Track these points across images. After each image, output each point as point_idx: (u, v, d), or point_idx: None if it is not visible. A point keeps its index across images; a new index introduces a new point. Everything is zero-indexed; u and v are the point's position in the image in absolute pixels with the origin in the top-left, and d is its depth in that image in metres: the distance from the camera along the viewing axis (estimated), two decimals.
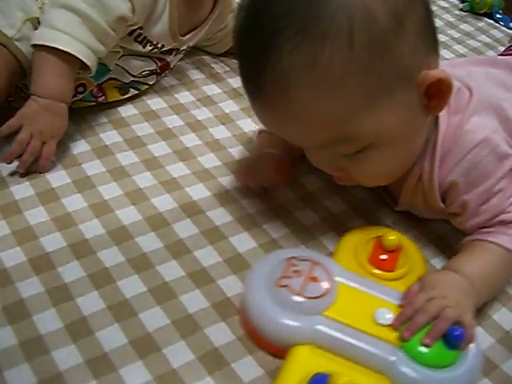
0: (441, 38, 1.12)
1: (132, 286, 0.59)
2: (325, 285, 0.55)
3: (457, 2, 1.27)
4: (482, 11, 1.22)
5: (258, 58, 0.53)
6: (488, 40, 1.14)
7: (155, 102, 0.84)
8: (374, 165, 0.58)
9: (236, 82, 0.89)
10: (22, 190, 0.68)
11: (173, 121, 0.81)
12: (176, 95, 0.86)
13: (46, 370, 0.52)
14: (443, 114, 0.61)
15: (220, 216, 0.68)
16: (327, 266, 0.57)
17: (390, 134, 0.56)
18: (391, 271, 0.59)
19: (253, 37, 0.53)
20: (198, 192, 0.71)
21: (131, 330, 0.55)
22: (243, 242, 0.65)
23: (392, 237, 0.60)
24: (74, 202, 0.67)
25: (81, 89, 0.76)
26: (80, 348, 0.53)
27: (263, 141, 0.72)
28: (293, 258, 0.57)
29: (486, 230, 0.62)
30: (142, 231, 0.65)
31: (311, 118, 0.54)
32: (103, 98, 0.80)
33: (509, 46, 0.94)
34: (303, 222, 0.69)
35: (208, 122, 0.82)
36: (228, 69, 0.94)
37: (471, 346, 0.54)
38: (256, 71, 0.54)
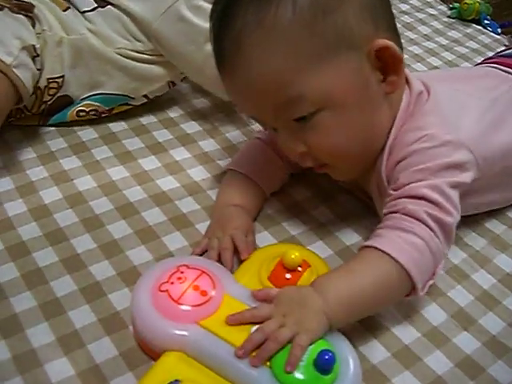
0: (429, 45, 1.15)
1: (123, 300, 0.61)
2: (205, 295, 0.55)
3: (445, 9, 1.29)
4: (470, 17, 1.24)
5: (221, 25, 0.60)
6: (476, 46, 1.16)
7: (145, 118, 0.86)
8: (330, 134, 0.61)
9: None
10: (16, 206, 0.70)
11: (162, 135, 0.83)
12: (166, 110, 0.88)
13: (38, 382, 0.53)
14: (400, 115, 0.64)
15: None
16: (217, 278, 0.57)
17: (339, 97, 0.59)
18: None
19: (217, 9, 0.61)
20: (188, 205, 0.73)
21: (124, 341, 0.57)
22: None
23: (293, 255, 0.59)
24: (65, 218, 0.69)
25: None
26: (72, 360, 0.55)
27: (225, 189, 0.73)
28: (184, 265, 0.58)
29: (388, 216, 0.61)
30: (132, 244, 0.67)
31: (262, 77, 0.58)
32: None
33: (497, 53, 0.96)
34: (291, 233, 0.71)
35: (197, 135, 0.84)
36: None
37: (350, 368, 0.53)
38: (219, 38, 0.61)
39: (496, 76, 0.79)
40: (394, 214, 0.60)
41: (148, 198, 0.73)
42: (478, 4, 1.23)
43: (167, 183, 0.75)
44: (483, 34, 1.21)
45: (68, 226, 0.68)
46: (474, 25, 1.24)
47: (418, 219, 0.58)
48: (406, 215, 0.59)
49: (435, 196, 0.60)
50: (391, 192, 0.62)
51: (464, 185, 0.64)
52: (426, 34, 1.18)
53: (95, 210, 0.71)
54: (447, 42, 1.17)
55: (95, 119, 0.83)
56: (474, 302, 0.67)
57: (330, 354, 0.51)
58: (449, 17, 1.26)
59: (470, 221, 0.76)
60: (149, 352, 0.56)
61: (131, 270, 0.64)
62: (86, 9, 0.80)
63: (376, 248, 0.57)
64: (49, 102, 0.79)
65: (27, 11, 0.75)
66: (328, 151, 0.63)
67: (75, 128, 0.82)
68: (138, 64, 0.81)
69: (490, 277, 0.70)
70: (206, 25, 0.69)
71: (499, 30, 1.23)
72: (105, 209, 0.71)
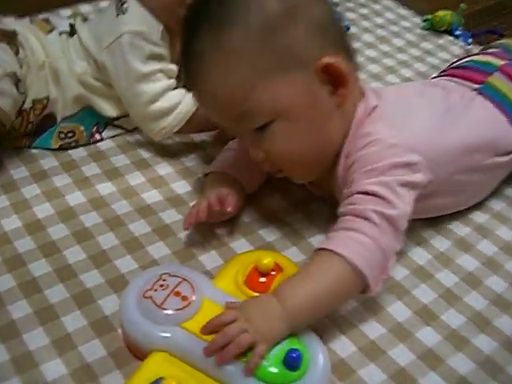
0: (402, 56, 1.20)
1: (111, 305, 0.66)
2: (186, 300, 0.60)
3: (418, 21, 1.34)
4: (442, 28, 1.29)
5: (186, 49, 0.67)
6: (447, 56, 1.21)
7: (131, 136, 0.92)
8: (284, 141, 0.67)
9: None
10: (11, 222, 0.75)
11: (147, 152, 0.89)
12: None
13: (35, 382, 0.59)
14: (354, 124, 0.70)
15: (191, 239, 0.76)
16: (196, 284, 0.62)
17: (289, 109, 0.65)
18: (265, 293, 0.62)
19: (184, 36, 0.68)
20: (171, 216, 0.78)
21: (112, 342, 0.63)
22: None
23: (266, 260, 0.65)
24: (57, 231, 0.75)
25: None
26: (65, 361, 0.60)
27: (211, 183, 0.78)
28: (166, 273, 0.63)
29: (344, 214, 0.65)
30: (119, 254, 0.72)
31: (222, 92, 0.65)
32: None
33: (449, 65, 1.00)
34: (267, 239, 0.77)
35: (179, 151, 0.90)
36: None
37: (320, 363, 0.58)
38: (185, 60, 0.68)
39: (448, 88, 0.83)
40: (345, 217, 0.65)
41: (134, 211, 0.78)
42: (449, 16, 1.28)
43: (152, 197, 0.81)
44: (454, 44, 1.26)
45: (60, 238, 0.74)
46: (447, 36, 1.30)
47: (365, 219, 0.63)
48: (355, 216, 0.64)
49: (383, 192, 0.65)
50: (345, 191, 0.68)
51: (417, 184, 0.69)
52: (399, 47, 1.23)
53: (85, 223, 0.76)
54: (420, 53, 1.22)
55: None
56: (437, 300, 0.72)
57: (297, 353, 0.56)
58: (422, 28, 1.31)
59: (435, 223, 0.81)
60: (136, 352, 0.61)
61: (119, 277, 0.69)
62: (63, 29, 0.86)
63: (328, 250, 0.62)
64: (35, 122, 0.84)
65: (10, 39, 0.81)
66: (282, 158, 0.69)
67: None
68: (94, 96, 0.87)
69: (453, 276, 0.75)
70: (140, 66, 0.80)
71: (470, 40, 1.28)
72: (94, 222, 0.76)
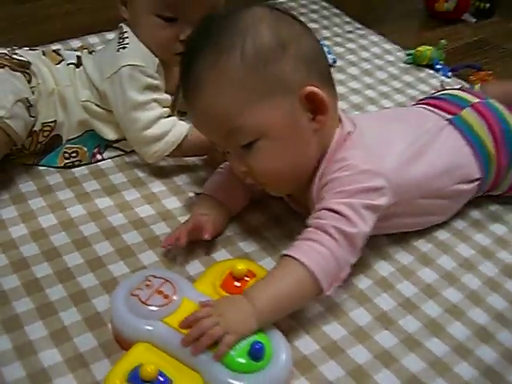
0: (383, 88, 1.30)
1: (103, 303, 0.75)
2: (168, 298, 0.68)
3: (401, 55, 1.44)
4: (424, 63, 1.39)
5: (185, 68, 0.76)
6: (426, 88, 1.30)
7: (128, 157, 1.01)
8: (266, 159, 0.75)
9: None
10: (19, 230, 0.85)
11: (142, 171, 0.99)
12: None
13: (33, 367, 0.67)
14: (331, 148, 0.79)
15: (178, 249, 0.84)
16: (178, 285, 0.70)
17: (274, 131, 0.74)
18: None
19: (184, 57, 0.77)
20: (161, 228, 0.88)
21: (102, 335, 0.72)
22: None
23: (240, 267, 0.74)
24: (59, 239, 0.84)
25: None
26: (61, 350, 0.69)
27: (200, 204, 0.88)
28: (152, 275, 0.71)
29: (310, 227, 0.73)
30: (113, 260, 0.82)
31: (213, 110, 0.74)
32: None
33: (433, 93, 1.10)
34: (245, 251, 0.86)
35: (172, 171, 1.00)
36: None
37: (282, 356, 0.66)
38: (184, 78, 0.77)
39: (422, 115, 0.92)
40: (309, 228, 0.74)
41: (128, 223, 0.88)
42: (429, 51, 1.38)
43: (144, 211, 0.90)
44: (434, 77, 1.35)
45: (61, 245, 0.83)
46: (428, 69, 1.39)
47: (325, 232, 0.72)
48: (317, 229, 0.72)
49: (347, 212, 0.73)
50: (316, 206, 0.76)
51: (380, 207, 0.77)
52: (381, 79, 1.33)
53: (84, 233, 0.85)
54: (401, 85, 1.31)
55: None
56: (396, 308, 0.79)
57: (261, 345, 0.64)
58: (405, 62, 1.41)
59: (400, 240, 0.89)
60: (122, 344, 0.69)
61: (111, 280, 0.78)
62: (71, 61, 0.97)
63: (291, 256, 0.70)
64: (43, 142, 0.94)
65: (25, 68, 0.91)
66: (263, 173, 0.78)
67: None
68: (95, 120, 0.97)
69: (413, 287, 0.83)
70: (136, 96, 0.89)
71: (450, 74, 1.37)
72: (92, 231, 0.86)
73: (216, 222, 0.85)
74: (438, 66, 1.38)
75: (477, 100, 0.95)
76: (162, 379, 0.63)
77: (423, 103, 0.99)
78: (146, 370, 0.61)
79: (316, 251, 0.71)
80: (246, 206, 0.92)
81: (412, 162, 0.83)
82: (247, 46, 0.72)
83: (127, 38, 0.93)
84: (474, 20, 1.70)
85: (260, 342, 0.65)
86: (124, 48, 0.92)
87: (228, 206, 0.88)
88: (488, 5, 1.71)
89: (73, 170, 0.97)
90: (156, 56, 0.94)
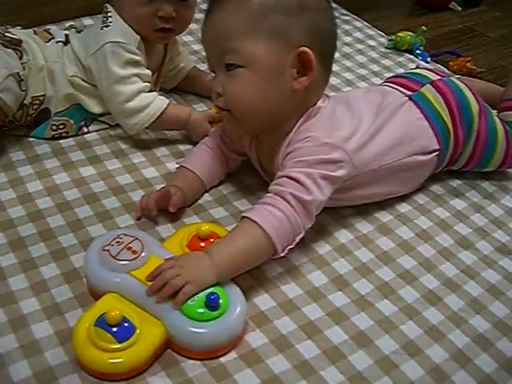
0: (361, 71, 1.36)
1: (81, 260, 0.82)
2: (136, 254, 0.75)
3: (384, 41, 1.49)
4: (404, 48, 1.45)
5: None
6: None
7: (113, 130, 1.08)
8: (241, 86, 0.82)
9: None
10: (7, 194, 0.93)
11: (124, 143, 1.05)
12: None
13: (14, 313, 0.75)
14: (303, 118, 0.85)
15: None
16: (146, 243, 0.77)
17: (259, 65, 0.80)
18: None
19: None
20: (138, 195, 0.94)
21: (78, 288, 0.79)
22: None
23: (204, 228, 0.81)
24: (44, 203, 0.92)
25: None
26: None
27: (176, 176, 0.95)
28: (123, 234, 0.78)
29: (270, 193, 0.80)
30: (92, 222, 0.89)
31: (222, 25, 0.81)
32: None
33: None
34: (215, 217, 0.93)
35: (152, 143, 1.07)
36: (175, 102, 1.17)
37: (237, 307, 0.73)
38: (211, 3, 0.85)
39: (386, 92, 0.98)
40: (269, 194, 0.80)
41: (108, 190, 0.95)
42: (409, 37, 1.44)
43: (124, 179, 0.97)
44: (413, 62, 1.41)
45: (45, 208, 0.90)
46: (407, 54, 1.45)
47: (283, 198, 0.78)
48: (276, 195, 0.79)
49: (305, 180, 0.79)
50: (278, 173, 0.83)
51: (338, 179, 0.83)
52: (361, 63, 1.38)
53: (67, 198, 0.93)
54: (379, 69, 1.37)
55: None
56: (352, 271, 0.86)
57: (216, 296, 0.71)
58: (386, 47, 1.47)
59: (362, 211, 0.96)
60: (94, 295, 0.76)
61: (89, 240, 0.84)
62: (60, 39, 1.03)
63: (249, 218, 0.77)
64: (33, 115, 1.01)
65: (16, 45, 0.98)
66: (232, 98, 0.84)
67: None
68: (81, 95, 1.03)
69: (370, 253, 0.89)
70: (118, 70, 0.95)
71: (429, 59, 1.43)
72: (74, 197, 0.93)
73: (187, 194, 0.91)
74: (417, 52, 1.44)
75: (437, 77, 1.02)
76: (126, 325, 0.70)
77: (389, 81, 1.05)
78: (110, 315, 0.69)
79: (272, 215, 0.77)
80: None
81: (371, 138, 0.89)
82: None
83: (110, 17, 1.00)
84: (460, 9, 1.75)
85: (216, 293, 0.72)
86: (107, 26, 0.99)
87: (203, 180, 0.94)
88: None
89: (60, 141, 1.04)
90: (137, 33, 1.00)
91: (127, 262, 0.75)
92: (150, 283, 0.73)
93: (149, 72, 1.02)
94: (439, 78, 1.02)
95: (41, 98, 1.01)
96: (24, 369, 0.69)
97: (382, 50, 1.46)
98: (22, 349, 0.71)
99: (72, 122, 1.04)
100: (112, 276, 0.75)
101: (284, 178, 0.81)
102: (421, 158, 0.95)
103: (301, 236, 0.80)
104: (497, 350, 0.78)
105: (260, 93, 0.82)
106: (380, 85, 1.08)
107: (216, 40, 0.83)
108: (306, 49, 0.80)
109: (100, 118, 1.06)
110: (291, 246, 0.80)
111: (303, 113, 0.86)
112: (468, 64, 1.41)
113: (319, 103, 0.87)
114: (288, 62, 0.81)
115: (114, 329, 0.69)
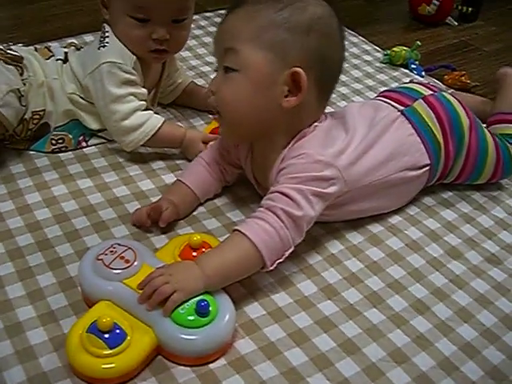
0: (357, 86, 1.38)
1: (76, 269, 0.84)
2: (128, 263, 0.77)
3: (379, 56, 1.52)
4: (399, 63, 1.47)
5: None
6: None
7: (112, 143, 1.11)
8: (231, 89, 0.84)
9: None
10: (6, 205, 0.95)
11: (122, 156, 1.08)
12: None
13: (10, 321, 0.77)
14: (299, 136, 0.87)
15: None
16: (139, 253, 0.79)
17: (252, 73, 0.83)
18: None
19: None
20: (134, 207, 0.97)
21: (73, 296, 0.81)
22: None
23: (196, 238, 0.83)
24: (42, 213, 0.94)
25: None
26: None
27: (172, 190, 0.97)
28: (117, 243, 0.80)
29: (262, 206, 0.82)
30: (89, 232, 0.92)
31: (230, 26, 0.85)
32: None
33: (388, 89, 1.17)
34: (208, 228, 0.95)
35: (148, 156, 1.10)
36: (172, 116, 1.21)
37: (226, 315, 0.75)
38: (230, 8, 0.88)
39: (379, 107, 1.00)
40: (261, 208, 0.82)
41: (105, 201, 0.97)
42: (404, 51, 1.46)
43: (120, 191, 1.00)
44: (408, 76, 1.43)
45: (43, 219, 0.93)
46: (402, 69, 1.47)
47: (274, 213, 0.80)
48: (268, 209, 0.81)
49: (296, 196, 0.81)
50: (271, 188, 0.85)
51: (329, 195, 0.85)
52: (356, 77, 1.41)
53: (65, 209, 0.95)
54: (374, 83, 1.40)
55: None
56: (341, 281, 0.88)
57: (205, 303, 0.73)
58: (381, 62, 1.49)
59: (353, 222, 0.98)
60: (88, 302, 0.78)
61: (85, 250, 0.86)
62: (59, 57, 1.07)
63: (239, 231, 0.79)
64: (33, 129, 1.04)
65: (17, 62, 1.01)
66: (222, 100, 0.87)
67: None
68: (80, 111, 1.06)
69: (359, 263, 0.91)
70: (115, 90, 0.98)
71: (423, 73, 1.45)
72: (72, 208, 0.96)
73: (180, 208, 0.94)
74: (412, 66, 1.46)
75: (429, 92, 1.03)
76: (117, 331, 0.72)
77: (382, 95, 1.07)
78: (102, 321, 0.71)
79: (263, 229, 0.79)
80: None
81: (363, 153, 0.91)
82: (286, 9, 0.82)
83: (108, 37, 1.03)
84: (456, 23, 1.78)
85: (205, 300, 0.74)
86: (104, 46, 1.02)
87: (197, 194, 0.97)
88: (471, 9, 1.78)
89: (59, 154, 1.07)
90: (133, 53, 1.03)
91: (120, 270, 0.78)
92: (141, 291, 0.75)
93: (144, 91, 1.05)
94: (431, 93, 1.03)
95: (41, 113, 1.04)
96: (19, 374, 0.71)
97: (378, 64, 1.48)
98: (17, 354, 0.73)
99: (71, 136, 1.07)
100: (105, 284, 0.77)
101: (276, 194, 0.82)
102: (412, 173, 0.97)
103: (290, 250, 0.82)
104: (483, 358, 0.79)
105: (247, 99, 0.85)
106: (373, 99, 1.10)
107: (221, 38, 0.86)
108: (299, 70, 0.81)
109: (99, 134, 1.09)
110: (280, 260, 0.81)
111: (296, 133, 0.88)
112: (462, 78, 1.43)
113: (316, 122, 0.89)
114: (281, 78, 0.83)
115: (106, 335, 0.71)
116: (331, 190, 0.85)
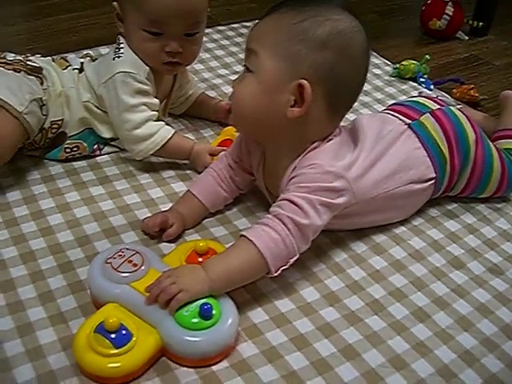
0: (365, 99, 1.40)
1: (86, 273, 0.87)
2: (136, 267, 0.80)
3: (390, 70, 1.54)
4: (407, 76, 1.49)
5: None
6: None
7: (124, 152, 1.14)
8: (243, 88, 0.87)
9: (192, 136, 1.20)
10: (21, 210, 0.99)
11: (133, 165, 1.12)
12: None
13: (21, 320, 0.80)
14: (312, 147, 0.88)
15: None
16: (146, 257, 0.82)
17: (263, 75, 0.85)
18: None
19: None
20: (144, 214, 1.00)
21: (82, 298, 0.84)
22: None
23: (201, 244, 0.85)
24: (54, 218, 0.98)
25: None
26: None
27: (182, 201, 1.00)
28: (125, 248, 0.83)
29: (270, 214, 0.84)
30: (99, 238, 0.95)
31: (256, 29, 0.88)
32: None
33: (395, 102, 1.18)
34: (215, 235, 0.98)
35: (159, 165, 1.12)
36: (183, 127, 1.24)
37: (229, 319, 0.77)
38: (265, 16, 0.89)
39: (386, 121, 1.02)
40: (269, 215, 0.84)
41: (115, 208, 1.01)
42: (413, 65, 1.48)
43: (131, 198, 1.03)
44: (416, 89, 1.45)
45: (56, 224, 0.96)
46: (411, 82, 1.49)
47: (281, 220, 0.82)
48: (275, 217, 0.83)
49: (304, 205, 0.83)
50: (280, 196, 0.87)
51: (337, 206, 0.86)
52: (365, 90, 1.43)
53: (77, 215, 0.99)
54: (382, 96, 1.42)
55: (87, 156, 1.12)
56: (344, 288, 0.90)
57: (209, 306, 0.76)
58: (391, 76, 1.52)
59: (357, 231, 1.00)
60: (96, 304, 0.81)
61: (95, 254, 0.89)
62: (76, 67, 1.11)
63: (246, 237, 0.81)
64: (51, 138, 1.08)
65: (37, 73, 1.05)
66: (234, 93, 0.90)
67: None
68: (94, 120, 1.10)
69: (362, 271, 0.93)
70: (128, 99, 1.01)
71: (432, 87, 1.47)
72: (83, 214, 0.99)
73: (187, 219, 0.97)
74: (421, 80, 1.48)
75: (437, 107, 1.05)
76: (124, 332, 0.75)
77: (390, 109, 1.09)
78: (108, 322, 0.73)
79: (269, 236, 0.81)
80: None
81: (371, 166, 0.93)
82: (306, 21, 0.83)
83: (122, 48, 1.07)
84: (467, 38, 1.80)
85: (209, 304, 0.76)
86: (119, 57, 1.06)
87: (206, 205, 0.99)
88: (482, 23, 1.80)
89: (73, 162, 1.11)
90: (147, 65, 1.07)
91: (128, 274, 0.80)
92: (147, 294, 0.78)
93: (157, 101, 1.08)
94: (438, 107, 1.05)
95: (59, 123, 1.08)
96: (28, 372, 0.74)
97: (387, 77, 1.50)
98: (27, 353, 0.76)
99: (85, 144, 1.11)
100: (113, 287, 0.80)
101: (284, 201, 0.84)
102: (417, 186, 0.98)
103: (295, 258, 0.84)
104: (482, 365, 0.81)
105: (254, 99, 0.86)
106: (381, 112, 1.11)
107: (249, 39, 0.88)
108: (305, 82, 0.82)
109: (112, 143, 1.12)
110: (285, 267, 0.83)
111: (304, 144, 0.89)
112: (471, 91, 1.44)
113: (330, 136, 0.90)
114: (289, 87, 0.84)
115: (113, 335, 0.74)
116: (340, 200, 0.87)
